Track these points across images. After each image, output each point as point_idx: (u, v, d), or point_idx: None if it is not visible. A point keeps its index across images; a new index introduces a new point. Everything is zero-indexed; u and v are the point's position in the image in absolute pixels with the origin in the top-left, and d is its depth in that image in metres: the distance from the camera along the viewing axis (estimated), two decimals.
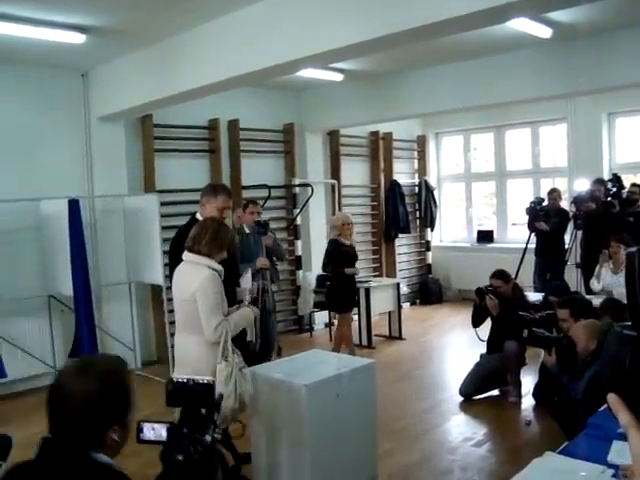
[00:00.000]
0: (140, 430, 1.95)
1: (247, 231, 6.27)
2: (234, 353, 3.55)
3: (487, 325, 6.01)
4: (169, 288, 6.36)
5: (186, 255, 3.65)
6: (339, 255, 6.80)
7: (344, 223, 6.84)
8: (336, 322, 7.40)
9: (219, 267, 3.61)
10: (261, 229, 6.08)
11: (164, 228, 6.62)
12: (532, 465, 2.55)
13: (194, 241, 3.62)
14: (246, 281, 4.16)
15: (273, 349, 6.38)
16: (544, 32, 6.06)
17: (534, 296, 6.68)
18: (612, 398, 1.13)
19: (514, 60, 7.03)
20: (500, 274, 5.91)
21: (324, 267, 6.94)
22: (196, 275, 3.54)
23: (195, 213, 4.25)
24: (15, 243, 6.33)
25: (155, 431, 1.97)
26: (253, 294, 4.61)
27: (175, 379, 2.12)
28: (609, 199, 7.42)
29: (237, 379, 3.49)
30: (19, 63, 6.41)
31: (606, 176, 8.29)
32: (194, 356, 3.55)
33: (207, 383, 2.11)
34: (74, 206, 5.91)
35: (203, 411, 2.06)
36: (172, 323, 6.52)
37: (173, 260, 4.18)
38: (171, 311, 6.50)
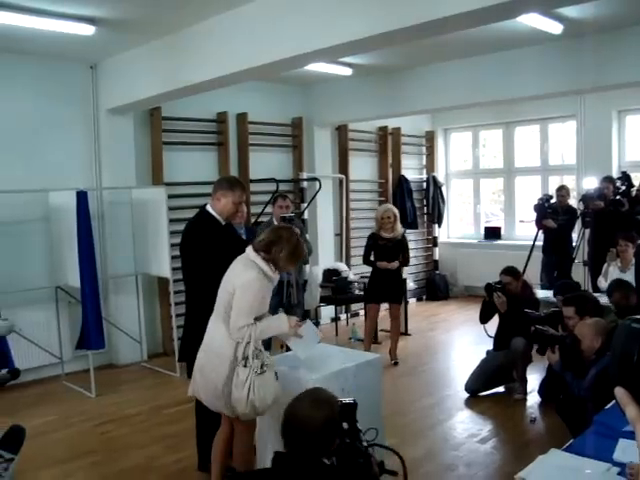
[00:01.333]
0: None
1: (276, 223, 6.26)
2: (257, 358, 3.48)
3: (495, 321, 6.00)
4: (176, 281, 6.42)
5: (249, 250, 3.56)
6: (374, 249, 6.86)
7: (382, 217, 6.84)
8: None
9: (271, 274, 3.51)
10: (287, 224, 6.05)
11: (172, 221, 6.64)
12: (537, 462, 2.55)
13: (267, 246, 3.51)
14: None
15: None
16: (555, 28, 6.02)
17: (541, 293, 6.67)
18: (620, 392, 1.12)
19: (524, 56, 7.00)
20: (510, 270, 5.90)
21: (363, 260, 7.03)
22: (245, 272, 3.47)
23: (205, 205, 4.22)
24: (23, 234, 6.36)
25: None
26: None
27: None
28: (618, 197, 7.39)
29: (252, 385, 3.44)
30: (28, 55, 6.42)
31: (615, 174, 8.26)
32: (217, 345, 3.51)
33: (350, 403, 2.55)
34: (82, 198, 5.92)
35: (345, 425, 2.46)
36: (179, 315, 6.56)
37: (184, 253, 4.18)
38: (178, 303, 6.57)
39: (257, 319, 3.48)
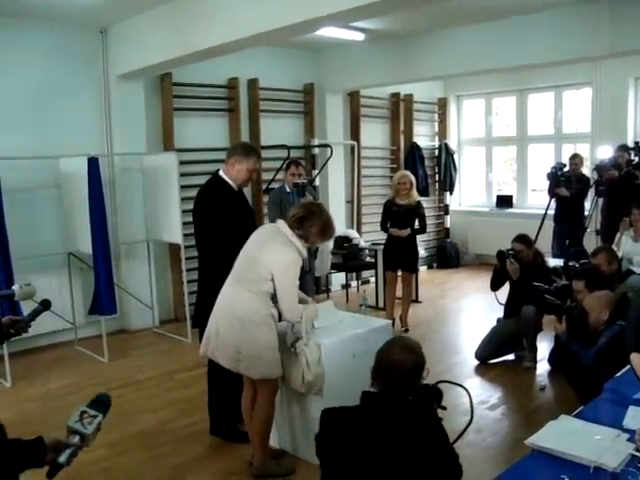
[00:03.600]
0: None
1: (287, 190, 6.26)
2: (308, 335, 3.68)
3: (506, 289, 6.00)
4: (187, 247, 6.44)
5: (283, 225, 3.60)
6: (389, 215, 6.87)
7: (399, 182, 6.82)
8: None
9: (305, 254, 3.62)
10: (300, 191, 6.02)
11: (183, 187, 6.63)
12: (547, 427, 2.56)
13: (299, 221, 3.58)
14: None
15: None
16: None
17: (553, 262, 6.64)
18: (636, 358, 1.13)
19: (538, 22, 6.88)
20: (523, 238, 5.87)
21: (380, 227, 7.05)
22: (286, 254, 3.51)
23: (217, 171, 4.21)
24: (35, 201, 6.39)
25: None
26: None
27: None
28: (631, 170, 7.28)
29: (320, 359, 3.68)
30: (38, 20, 6.36)
31: (630, 143, 8.15)
32: (245, 310, 3.56)
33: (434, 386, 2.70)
34: (93, 164, 5.91)
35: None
36: (190, 282, 6.60)
37: (197, 219, 4.18)
38: (189, 270, 6.60)
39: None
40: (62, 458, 1.73)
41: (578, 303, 4.41)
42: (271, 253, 3.54)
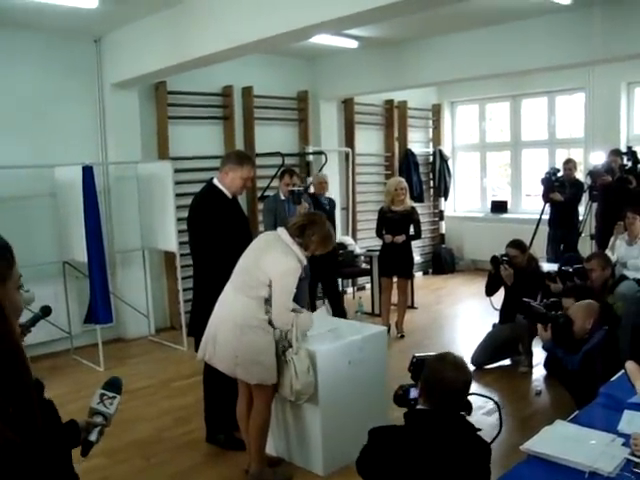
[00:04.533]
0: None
1: (282, 197, 6.32)
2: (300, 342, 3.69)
3: (501, 294, 6.01)
4: (183, 255, 6.44)
5: (284, 233, 3.63)
6: (384, 222, 6.93)
7: (397, 188, 6.87)
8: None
9: (305, 262, 3.64)
10: (295, 198, 6.03)
11: (178, 195, 6.64)
12: (542, 432, 2.57)
13: (299, 230, 3.61)
14: None
15: None
16: None
17: (548, 266, 6.66)
18: (631, 365, 1.14)
19: (532, 28, 6.92)
20: (517, 244, 5.90)
21: (375, 233, 7.11)
22: (286, 261, 3.54)
23: (212, 179, 4.22)
24: (30, 209, 6.38)
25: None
26: None
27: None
28: (625, 175, 7.31)
29: (310, 368, 3.67)
30: (32, 29, 6.36)
31: (623, 147, 8.18)
32: (243, 315, 3.57)
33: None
34: (88, 173, 5.92)
35: None
36: (186, 290, 6.59)
37: (192, 227, 4.18)
38: (185, 278, 6.60)
39: None
40: (93, 437, 1.91)
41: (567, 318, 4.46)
42: (271, 260, 3.56)
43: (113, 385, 2.02)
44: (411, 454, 2.40)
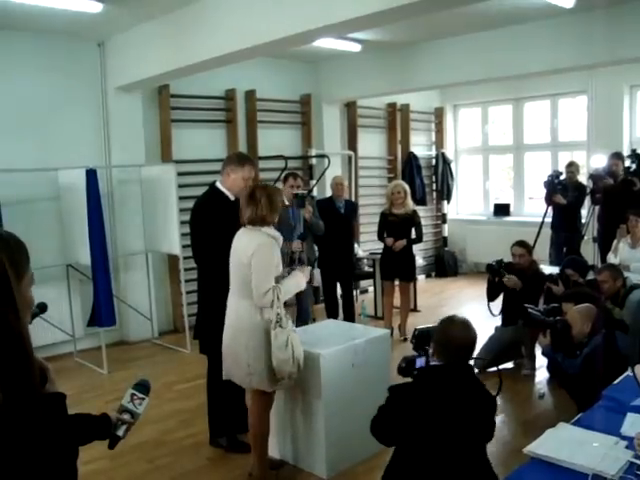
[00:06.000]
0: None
1: (286, 203, 6.17)
2: (287, 318, 3.59)
3: (500, 299, 6.00)
4: (186, 258, 6.45)
5: (247, 225, 3.66)
6: (385, 225, 6.95)
7: (393, 192, 6.89)
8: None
9: (276, 234, 3.63)
10: (299, 201, 5.94)
11: (181, 198, 6.65)
12: (545, 435, 2.57)
13: (249, 212, 3.61)
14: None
15: (308, 320, 6.43)
16: (566, 2, 5.94)
17: (550, 269, 6.65)
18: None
19: (534, 31, 6.93)
20: (523, 243, 5.90)
21: (377, 236, 7.13)
22: (254, 241, 3.55)
23: (214, 182, 4.23)
24: (34, 213, 6.39)
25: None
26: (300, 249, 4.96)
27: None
28: (629, 177, 7.31)
29: (293, 344, 3.53)
30: (36, 33, 6.40)
31: (626, 150, 8.18)
32: (246, 320, 3.57)
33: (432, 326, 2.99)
34: (92, 176, 5.93)
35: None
36: (189, 292, 6.61)
37: (194, 230, 4.19)
38: (188, 280, 6.61)
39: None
40: (120, 432, 2.00)
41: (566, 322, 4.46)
42: (242, 248, 3.60)
43: (143, 386, 2.11)
44: (427, 405, 2.62)
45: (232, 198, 4.16)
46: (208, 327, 3.89)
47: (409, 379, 2.87)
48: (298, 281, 3.70)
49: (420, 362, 2.88)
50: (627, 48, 6.44)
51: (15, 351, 1.43)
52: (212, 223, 4.06)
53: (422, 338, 2.99)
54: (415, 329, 3.09)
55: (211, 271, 4.09)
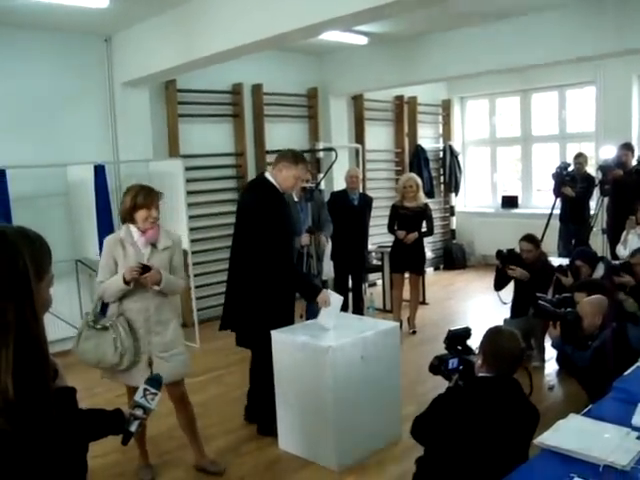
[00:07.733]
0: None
1: (295, 199, 5.95)
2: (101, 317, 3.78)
3: (510, 288, 5.99)
4: (194, 252, 6.47)
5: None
6: (396, 218, 6.93)
7: (405, 185, 6.87)
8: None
9: (122, 234, 3.73)
10: (307, 195, 5.91)
11: (189, 192, 6.66)
12: (556, 426, 2.57)
13: (125, 212, 3.79)
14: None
15: (317, 313, 6.43)
16: None
17: (559, 261, 6.63)
18: None
19: (541, 22, 6.89)
20: (531, 238, 5.87)
21: (387, 229, 7.11)
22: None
23: (263, 173, 4.28)
24: (42, 208, 6.41)
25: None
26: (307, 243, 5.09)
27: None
28: (638, 168, 7.27)
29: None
30: (43, 28, 6.41)
31: (635, 140, 8.15)
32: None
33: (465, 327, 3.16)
34: (100, 171, 5.96)
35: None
36: (198, 287, 6.62)
37: (246, 220, 4.18)
38: (197, 275, 6.62)
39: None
40: (133, 427, 2.04)
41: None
42: None
43: (155, 382, 2.15)
44: (474, 415, 2.65)
45: (282, 192, 4.20)
46: (252, 320, 3.98)
47: (440, 376, 3.02)
48: (117, 280, 3.65)
49: (453, 362, 2.96)
50: (635, 38, 6.39)
51: (31, 349, 1.43)
52: (269, 214, 4.05)
53: (455, 339, 3.08)
54: (449, 330, 3.15)
55: (257, 262, 4.06)
